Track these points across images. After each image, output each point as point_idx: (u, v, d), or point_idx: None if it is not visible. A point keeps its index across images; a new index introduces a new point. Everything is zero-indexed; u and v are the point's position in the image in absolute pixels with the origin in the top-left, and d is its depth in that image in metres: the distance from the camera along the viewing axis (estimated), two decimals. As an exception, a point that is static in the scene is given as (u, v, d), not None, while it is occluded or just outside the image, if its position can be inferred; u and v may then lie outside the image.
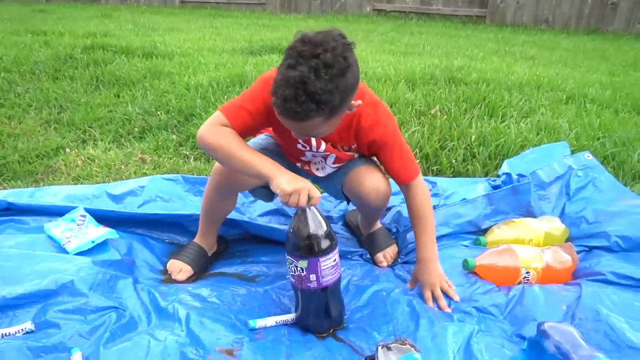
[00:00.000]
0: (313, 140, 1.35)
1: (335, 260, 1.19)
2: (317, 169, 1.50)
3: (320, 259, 1.16)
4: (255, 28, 6.68)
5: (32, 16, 7.55)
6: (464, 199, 1.75)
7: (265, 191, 1.51)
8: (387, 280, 1.45)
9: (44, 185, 2.09)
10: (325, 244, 1.16)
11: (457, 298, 1.34)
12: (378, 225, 1.69)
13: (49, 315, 1.21)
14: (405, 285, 1.43)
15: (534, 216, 1.70)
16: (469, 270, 1.44)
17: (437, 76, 3.44)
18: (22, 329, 1.16)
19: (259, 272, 1.52)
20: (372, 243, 1.64)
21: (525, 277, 1.41)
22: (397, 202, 1.79)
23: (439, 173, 2.16)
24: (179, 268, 1.49)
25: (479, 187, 1.86)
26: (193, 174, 2.11)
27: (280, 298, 1.38)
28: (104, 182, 2.08)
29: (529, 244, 1.59)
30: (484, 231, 1.68)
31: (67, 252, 1.43)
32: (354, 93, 1.16)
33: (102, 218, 1.59)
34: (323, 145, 1.36)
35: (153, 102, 2.90)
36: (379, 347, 1.05)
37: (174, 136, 2.51)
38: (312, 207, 1.18)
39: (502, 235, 1.62)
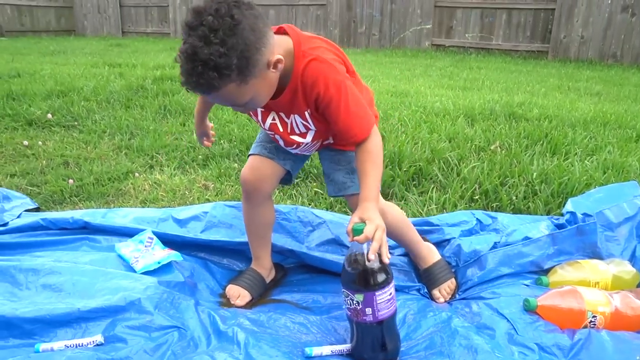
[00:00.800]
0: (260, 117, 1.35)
1: (391, 294, 1.20)
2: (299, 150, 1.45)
3: (377, 293, 1.17)
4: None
5: (109, 50, 8.14)
6: (527, 237, 1.71)
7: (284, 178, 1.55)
8: (444, 315, 1.43)
9: (114, 207, 2.22)
10: (381, 278, 1.17)
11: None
12: (436, 257, 1.66)
13: (117, 329, 1.28)
14: (461, 319, 1.40)
15: (601, 258, 1.64)
16: (530, 310, 1.40)
17: (497, 112, 3.40)
18: (93, 341, 1.23)
19: (314, 301, 1.54)
20: (429, 277, 1.62)
21: (591, 321, 1.35)
22: (456, 234, 1.78)
23: (498, 209, 2.12)
24: (238, 294, 1.53)
25: (541, 226, 1.80)
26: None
27: (336, 328, 1.39)
28: (169, 206, 2.19)
29: (595, 286, 1.52)
30: (546, 271, 1.63)
31: (134, 271, 1.51)
32: (260, 49, 1.09)
33: (168, 241, 1.67)
34: (269, 122, 1.35)
35: (216, 131, 3.03)
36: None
37: (236, 164, 2.61)
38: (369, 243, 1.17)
39: (566, 276, 1.56)
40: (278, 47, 1.19)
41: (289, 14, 9.70)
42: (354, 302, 1.18)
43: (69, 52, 7.63)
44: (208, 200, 2.23)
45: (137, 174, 2.55)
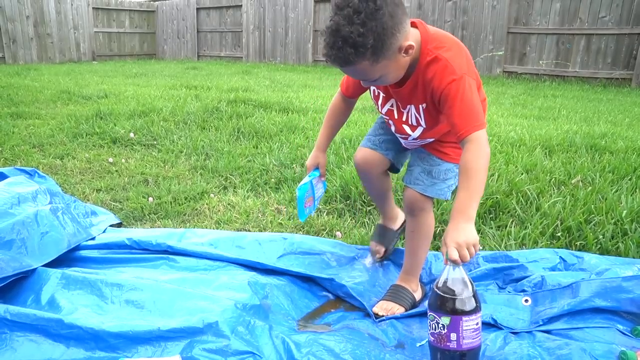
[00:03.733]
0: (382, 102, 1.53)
1: (477, 324, 1.18)
2: (407, 143, 1.63)
3: (463, 318, 1.16)
4: (383, 87, 6.86)
5: (186, 73, 8.57)
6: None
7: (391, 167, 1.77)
8: (527, 354, 1.33)
9: (190, 226, 2.29)
10: (469, 304, 1.17)
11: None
12: (414, 287, 1.67)
13: (194, 351, 1.30)
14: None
15: None
16: (627, 364, 1.29)
17: (577, 143, 3.23)
18: (171, 361, 1.26)
19: (394, 333, 1.50)
20: (388, 293, 1.65)
21: (697, 381, 1.22)
22: (537, 271, 1.68)
23: (583, 249, 1.99)
24: (376, 248, 1.84)
25: (635, 268, 1.67)
26: (325, 229, 2.18)
27: (411, 365, 1.34)
28: (243, 228, 2.23)
29: (700, 342, 1.38)
30: (643, 320, 1.49)
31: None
32: (395, 34, 1.21)
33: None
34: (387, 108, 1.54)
35: (288, 155, 3.08)
36: None
37: (307, 189, 2.63)
38: (461, 267, 1.20)
39: (666, 328, 1.42)
40: (410, 36, 1.30)
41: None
42: (439, 325, 1.18)
43: (150, 75, 8.10)
44: (281, 225, 2.26)
45: (212, 195, 2.62)
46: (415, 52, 1.31)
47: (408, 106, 1.47)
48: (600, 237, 2.01)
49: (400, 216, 1.90)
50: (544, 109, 5.12)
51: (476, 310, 1.18)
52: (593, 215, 2.15)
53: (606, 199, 2.29)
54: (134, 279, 1.60)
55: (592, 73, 7.48)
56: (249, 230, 2.22)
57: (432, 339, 1.20)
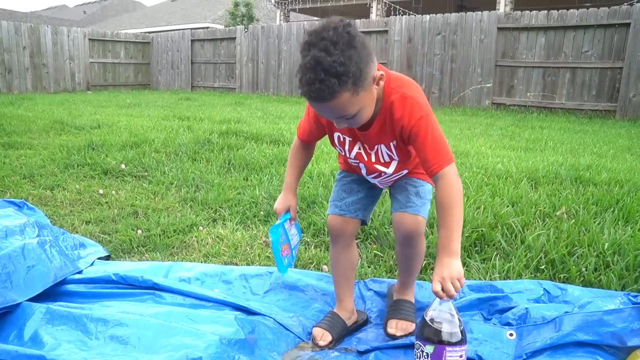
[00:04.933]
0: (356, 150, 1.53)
1: (461, 356, 1.21)
2: (381, 181, 1.64)
3: (447, 348, 1.19)
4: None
5: (179, 103, 8.65)
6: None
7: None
8: None
9: (178, 259, 2.30)
10: (455, 335, 1.21)
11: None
12: (412, 298, 1.71)
13: (178, 388, 1.29)
14: None
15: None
16: (608, 398, 1.30)
17: (562, 175, 3.29)
18: (154, 399, 1.25)
19: None
20: (396, 307, 1.67)
21: (678, 417, 1.23)
22: (522, 302, 1.70)
23: (566, 281, 2.01)
24: (321, 334, 1.63)
25: (617, 301, 1.69)
26: (312, 262, 2.19)
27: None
28: (230, 262, 2.24)
29: (680, 376, 1.39)
30: (626, 353, 1.50)
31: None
32: (369, 63, 1.25)
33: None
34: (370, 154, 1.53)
35: (278, 187, 3.10)
36: None
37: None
38: (450, 302, 1.25)
39: (647, 362, 1.44)
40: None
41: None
42: (424, 354, 1.22)
43: (143, 105, 8.17)
44: (268, 258, 2.26)
45: (201, 227, 2.63)
46: (379, 90, 1.35)
47: (376, 146, 1.50)
48: (583, 269, 2.03)
49: (354, 314, 1.73)
50: (532, 141, 5.21)
51: (461, 342, 1.22)
52: (576, 247, 2.18)
53: (589, 231, 2.33)
54: (119, 314, 1.60)
55: (578, 105, 7.65)
56: (237, 264, 2.22)
57: None
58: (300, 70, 1.22)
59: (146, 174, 3.60)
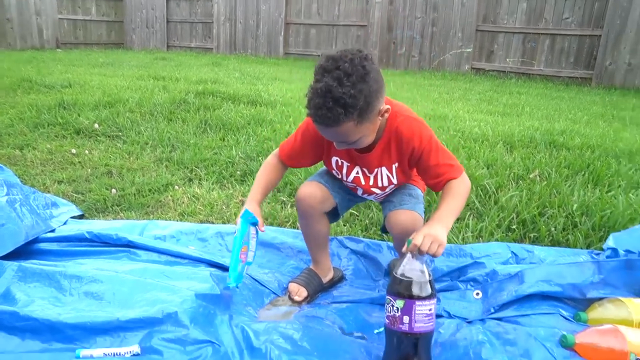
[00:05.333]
0: (360, 177, 1.55)
1: (430, 310, 1.23)
2: (375, 198, 1.65)
3: (417, 302, 1.22)
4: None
5: (154, 63, 8.41)
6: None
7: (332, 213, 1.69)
8: (476, 341, 1.38)
9: (153, 218, 2.29)
10: (425, 290, 1.23)
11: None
12: None
13: (153, 341, 1.31)
14: (496, 343, 1.37)
15: (646, 298, 1.58)
16: (568, 346, 1.36)
17: (537, 139, 3.34)
18: (130, 351, 1.27)
19: (355, 319, 1.53)
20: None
21: (633, 364, 1.30)
22: (490, 266, 1.75)
23: (536, 241, 2.08)
24: (297, 290, 1.66)
25: (580, 259, 1.76)
26: (289, 221, 2.20)
27: (369, 350, 1.38)
28: (206, 220, 2.24)
29: (638, 327, 1.46)
30: (586, 306, 1.58)
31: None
32: (378, 97, 1.30)
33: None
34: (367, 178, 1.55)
35: (255, 147, 3.09)
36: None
37: (272, 182, 2.65)
38: (421, 258, 1.27)
39: (607, 315, 1.51)
40: None
41: (330, 33, 9.83)
42: (394, 308, 1.24)
43: (117, 65, 7.93)
44: (245, 216, 2.27)
45: (176, 187, 2.61)
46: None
47: (376, 169, 1.53)
48: (553, 229, 2.10)
49: (331, 271, 1.76)
50: (509, 106, 5.25)
51: (430, 296, 1.24)
52: (547, 208, 2.24)
53: (560, 193, 2.39)
54: (93, 271, 1.60)
55: (555, 72, 7.70)
56: (213, 222, 2.23)
57: (387, 321, 1.26)
58: (310, 93, 1.26)
59: (120, 133, 3.54)
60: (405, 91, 6.08)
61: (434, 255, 1.26)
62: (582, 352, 1.35)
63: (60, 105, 4.07)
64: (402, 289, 1.24)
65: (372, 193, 1.60)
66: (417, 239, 1.26)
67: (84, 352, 1.26)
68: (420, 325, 1.22)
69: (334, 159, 1.57)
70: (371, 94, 1.26)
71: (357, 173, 1.55)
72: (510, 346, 1.37)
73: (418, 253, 1.26)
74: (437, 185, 1.46)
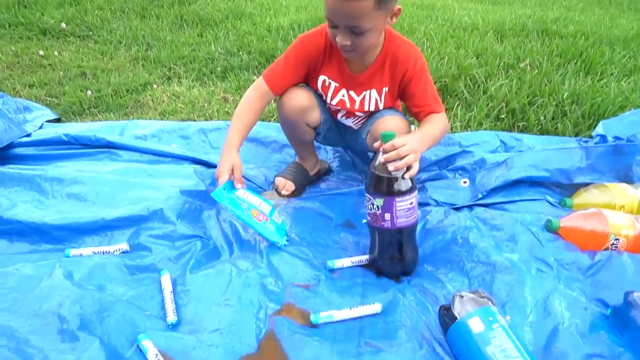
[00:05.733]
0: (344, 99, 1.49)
1: (412, 203, 1.20)
2: (354, 122, 1.60)
3: (397, 199, 1.17)
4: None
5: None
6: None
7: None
8: (464, 226, 1.39)
9: (133, 118, 2.22)
10: (404, 185, 1.18)
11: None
12: None
13: (141, 238, 1.31)
14: (483, 228, 1.40)
15: (631, 182, 1.59)
16: (552, 230, 1.39)
17: (528, 27, 3.22)
18: (119, 249, 1.27)
19: (343, 210, 1.54)
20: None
21: (613, 243, 1.34)
22: (478, 154, 1.74)
23: (525, 130, 2.06)
24: (284, 184, 1.64)
25: (569, 146, 1.75)
26: (273, 115, 2.15)
27: (357, 240, 1.40)
28: (188, 118, 2.18)
29: (620, 210, 1.49)
30: (572, 192, 1.60)
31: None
32: None
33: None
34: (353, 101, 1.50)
35: (235, 42, 2.95)
36: (456, 297, 1.05)
37: (255, 77, 2.55)
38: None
39: (591, 199, 1.53)
40: None
41: None
42: (374, 206, 1.20)
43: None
44: (227, 113, 2.21)
45: (155, 86, 2.52)
46: (380, 38, 1.37)
47: (365, 92, 1.48)
48: (542, 118, 2.07)
49: (318, 164, 1.74)
50: (501, -6, 5.01)
51: (410, 191, 1.19)
52: (537, 97, 2.20)
53: (551, 81, 2.34)
54: (74, 172, 1.56)
55: (551, -45, 7.27)
56: (195, 120, 2.17)
57: (369, 218, 1.24)
58: None
59: (91, 33, 3.33)
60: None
61: (406, 169, 1.18)
62: (565, 235, 1.38)
63: (19, 3, 3.78)
64: (380, 187, 1.19)
65: (354, 116, 1.56)
66: (397, 140, 1.17)
67: (73, 252, 1.26)
68: (402, 221, 1.19)
69: (321, 77, 1.48)
70: None
71: (343, 96, 1.50)
72: (497, 231, 1.40)
73: (384, 153, 1.17)
74: (418, 115, 1.45)
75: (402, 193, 1.18)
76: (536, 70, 2.47)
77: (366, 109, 1.52)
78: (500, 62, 2.57)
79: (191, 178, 1.54)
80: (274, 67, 1.47)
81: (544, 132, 2.03)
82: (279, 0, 3.88)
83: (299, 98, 1.49)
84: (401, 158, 1.17)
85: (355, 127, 1.62)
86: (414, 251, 1.28)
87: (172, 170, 1.60)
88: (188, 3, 3.79)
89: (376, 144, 1.21)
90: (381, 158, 1.18)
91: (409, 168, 1.18)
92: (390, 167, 1.16)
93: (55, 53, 3.00)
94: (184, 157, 1.72)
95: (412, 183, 1.20)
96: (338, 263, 1.28)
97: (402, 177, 1.17)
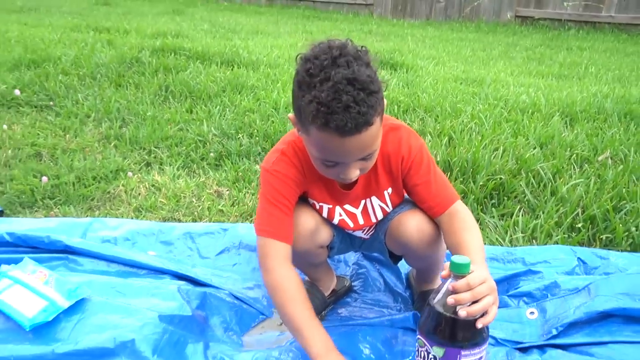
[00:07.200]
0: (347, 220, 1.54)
1: (480, 358, 1.18)
2: (364, 232, 1.63)
3: (462, 352, 1.15)
4: (360, 35, 6.88)
5: (94, 10, 8.36)
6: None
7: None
8: None
9: (100, 215, 2.26)
10: (475, 334, 1.15)
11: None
12: (437, 282, 1.68)
13: (103, 381, 1.29)
14: None
15: None
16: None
17: (607, 109, 3.33)
18: (72, 396, 1.24)
19: (372, 347, 1.51)
20: (424, 302, 1.60)
21: None
22: (551, 276, 1.73)
23: (609, 244, 2.07)
24: None
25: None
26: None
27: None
28: (171, 218, 2.22)
29: None
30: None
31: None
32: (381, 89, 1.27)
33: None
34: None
35: (233, 122, 3.06)
36: None
37: (257, 166, 2.63)
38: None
39: None
40: None
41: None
42: (430, 356, 1.17)
43: (43, 10, 7.86)
44: (221, 212, 2.25)
45: (130, 174, 2.59)
46: None
47: (363, 201, 1.53)
48: (633, 229, 2.08)
49: (334, 280, 1.78)
50: (567, 66, 5.24)
51: (481, 342, 1.16)
52: (624, 201, 2.22)
53: (641, 180, 2.37)
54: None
55: (631, 19, 7.66)
56: (180, 220, 2.21)
57: None
58: (327, 93, 1.17)
59: (51, 103, 3.50)
60: (427, 48, 6.06)
61: (484, 318, 1.15)
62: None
63: (-35, 65, 4.02)
64: (443, 332, 1.16)
65: (361, 229, 1.61)
66: (474, 277, 1.13)
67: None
68: None
69: (309, 201, 1.55)
70: (379, 82, 1.24)
71: (341, 215, 1.55)
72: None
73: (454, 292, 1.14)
74: (430, 212, 1.46)
75: (472, 344, 1.15)
76: (620, 165, 2.52)
77: (373, 220, 1.56)
78: (572, 155, 2.63)
79: (173, 299, 1.54)
80: (271, 218, 1.44)
81: (636, 247, 2.03)
82: (288, 70, 4.08)
83: (304, 221, 1.50)
84: (477, 300, 1.13)
85: (367, 237, 1.65)
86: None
87: (149, 286, 1.60)
88: (175, 70, 4.00)
89: (443, 274, 1.18)
90: (450, 298, 1.14)
91: (484, 313, 1.14)
92: (462, 312, 1.12)
93: (4, 127, 3.13)
94: (164, 270, 1.73)
95: (485, 332, 1.18)
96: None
97: (475, 325, 1.14)
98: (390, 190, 1.51)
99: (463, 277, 1.12)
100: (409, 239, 1.48)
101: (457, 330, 1.14)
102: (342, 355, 1.32)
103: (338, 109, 1.16)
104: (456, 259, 1.14)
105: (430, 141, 2.75)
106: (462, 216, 1.42)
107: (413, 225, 1.47)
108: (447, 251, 1.46)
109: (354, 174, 1.32)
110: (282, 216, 1.43)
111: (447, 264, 1.16)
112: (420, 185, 1.45)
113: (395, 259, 1.68)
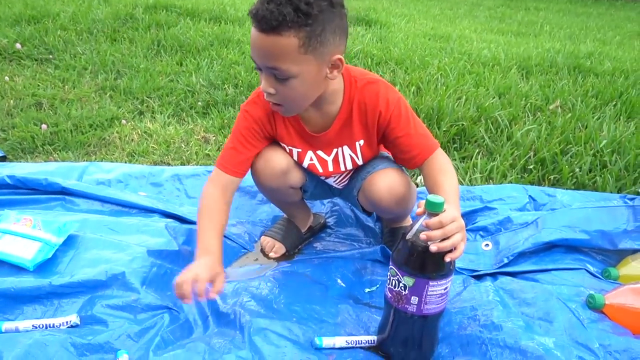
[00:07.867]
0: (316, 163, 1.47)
1: (446, 289, 1.15)
2: (335, 181, 1.58)
3: (430, 283, 1.12)
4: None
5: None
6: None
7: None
8: (487, 299, 1.35)
9: (96, 159, 2.20)
10: (442, 267, 1.13)
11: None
12: (407, 222, 1.66)
13: (96, 309, 1.26)
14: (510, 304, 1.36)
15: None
16: (596, 308, 1.35)
17: (558, 63, 3.30)
18: (66, 322, 1.21)
19: (343, 276, 1.50)
20: (394, 238, 1.62)
21: (671, 326, 1.30)
22: (505, 212, 1.72)
23: (556, 183, 2.06)
24: (272, 245, 1.63)
25: (612, 204, 1.73)
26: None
27: (359, 314, 1.35)
28: (161, 161, 2.17)
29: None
30: (617, 260, 1.56)
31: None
32: (336, 37, 1.21)
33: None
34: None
35: (220, 73, 2.99)
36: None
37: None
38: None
39: (641, 270, 1.50)
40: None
41: None
42: (400, 285, 1.15)
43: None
44: (208, 156, 2.21)
45: (124, 121, 2.52)
46: (338, 84, 1.34)
47: (336, 150, 1.45)
48: (577, 169, 2.07)
49: (310, 217, 1.73)
50: (525, 24, 5.17)
51: (447, 274, 1.14)
52: (570, 145, 2.21)
53: (586, 127, 2.36)
54: (18, 224, 1.52)
55: (580, -17, 7.54)
56: (169, 164, 2.16)
57: (390, 295, 1.19)
58: None
59: (51, 56, 3.37)
60: (400, 6, 5.91)
61: (452, 253, 1.11)
62: (612, 315, 1.34)
63: (-33, 20, 3.85)
64: (414, 264, 1.13)
65: (332, 176, 1.54)
66: (445, 216, 1.08)
67: (6, 325, 1.20)
68: (431, 307, 1.15)
69: (283, 145, 1.47)
70: (331, 21, 1.18)
71: (312, 159, 1.47)
72: (528, 307, 1.35)
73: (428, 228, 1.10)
74: (412, 161, 1.39)
75: (439, 276, 1.13)
76: (569, 114, 2.50)
77: (342, 169, 1.49)
78: (527, 104, 2.61)
79: (161, 235, 1.51)
80: (225, 151, 1.43)
81: (580, 186, 2.02)
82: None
83: (276, 160, 1.45)
84: (447, 237, 1.09)
85: (339, 187, 1.60)
86: (434, 340, 1.24)
87: (138, 224, 1.57)
88: (167, 26, 3.87)
89: (418, 211, 1.14)
90: (423, 234, 1.11)
91: (452, 249, 1.11)
92: (433, 247, 1.09)
93: (6, 78, 3.01)
94: (153, 209, 1.69)
95: (452, 265, 1.15)
96: (327, 342, 1.23)
97: (443, 259, 1.11)
98: (362, 142, 1.43)
99: (437, 215, 1.08)
100: (381, 198, 1.43)
101: (427, 263, 1.12)
102: (221, 261, 1.28)
103: (262, 1, 1.14)
104: (431, 198, 1.10)
105: (400, 91, 2.68)
106: (440, 162, 1.36)
107: (384, 185, 1.41)
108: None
109: (268, 87, 1.24)
110: (235, 153, 1.41)
111: (423, 202, 1.12)
112: (402, 137, 1.36)
113: (369, 213, 1.65)
